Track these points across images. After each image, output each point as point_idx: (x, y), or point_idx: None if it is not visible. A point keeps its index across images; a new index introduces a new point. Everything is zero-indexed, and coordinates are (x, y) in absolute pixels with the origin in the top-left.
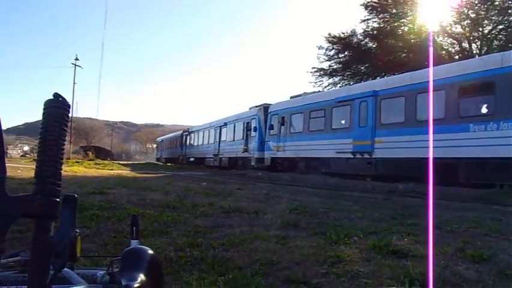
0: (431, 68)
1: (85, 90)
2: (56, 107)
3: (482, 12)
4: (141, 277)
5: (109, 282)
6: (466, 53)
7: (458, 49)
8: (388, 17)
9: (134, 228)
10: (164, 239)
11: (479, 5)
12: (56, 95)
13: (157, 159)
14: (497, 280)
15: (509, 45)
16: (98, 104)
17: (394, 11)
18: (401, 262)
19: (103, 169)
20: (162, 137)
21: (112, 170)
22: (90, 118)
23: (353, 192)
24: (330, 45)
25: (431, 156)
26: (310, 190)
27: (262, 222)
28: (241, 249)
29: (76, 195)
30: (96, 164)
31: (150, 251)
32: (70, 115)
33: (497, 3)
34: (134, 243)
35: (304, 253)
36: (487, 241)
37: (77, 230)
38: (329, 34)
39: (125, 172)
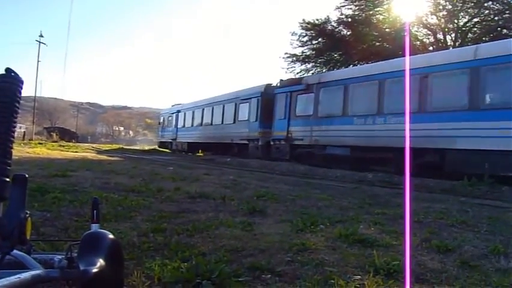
0: (407, 58)
1: (49, 69)
2: (8, 83)
3: (459, 5)
4: (100, 261)
5: (67, 267)
6: (440, 44)
7: (433, 40)
8: (363, 5)
9: (94, 211)
10: (128, 223)
11: None
12: (9, 70)
13: (162, 144)
14: (461, 271)
15: (483, 38)
16: (64, 83)
17: None
18: (367, 251)
19: (67, 151)
20: (181, 105)
21: (76, 152)
22: (55, 98)
23: (321, 180)
24: (303, 31)
25: (407, 146)
26: (279, 177)
27: (229, 209)
28: (206, 236)
29: (26, 175)
30: (60, 146)
31: (110, 235)
32: (22, 91)
33: None
34: (94, 227)
35: (269, 240)
36: (452, 232)
37: (28, 212)
38: (303, 20)
39: (91, 155)
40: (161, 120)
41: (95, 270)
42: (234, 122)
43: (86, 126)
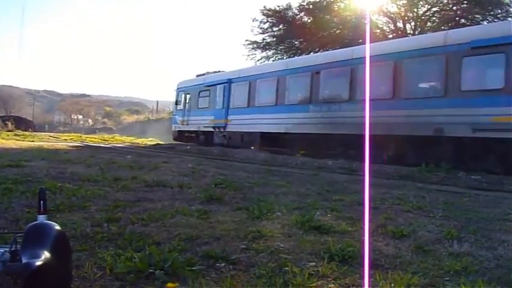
0: (367, 45)
1: (4, 55)
2: None
3: None
4: (45, 254)
5: (10, 261)
6: (400, 32)
7: (393, 28)
8: None
9: (41, 202)
10: (82, 214)
11: None
12: None
13: (182, 136)
14: (415, 255)
15: (442, 27)
16: (19, 70)
17: None
18: (323, 238)
19: (23, 141)
20: (230, 72)
21: (32, 141)
22: (10, 86)
23: (281, 167)
24: (264, 18)
25: (367, 133)
26: (239, 164)
27: (186, 197)
28: (161, 224)
29: None
30: (16, 135)
31: (57, 227)
32: None
33: None
34: (41, 219)
35: (225, 228)
36: (408, 218)
37: None
38: (264, 7)
39: (47, 144)
40: (182, 99)
41: (38, 263)
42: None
43: (43, 115)
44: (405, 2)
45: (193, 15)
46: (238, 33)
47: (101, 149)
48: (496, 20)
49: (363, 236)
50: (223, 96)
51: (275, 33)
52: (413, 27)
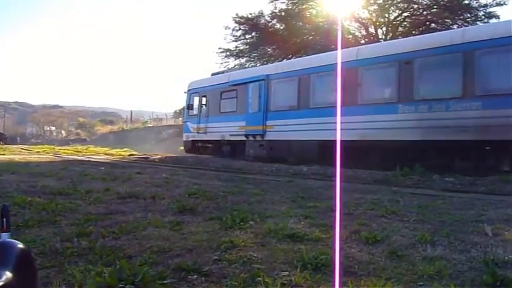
0: (339, 51)
1: None
2: None
3: None
4: (6, 275)
5: None
6: (372, 37)
7: (365, 33)
8: None
9: (4, 219)
10: (52, 228)
11: None
12: None
13: (193, 146)
14: (389, 261)
15: (413, 32)
16: None
17: None
18: (296, 246)
19: None
20: (271, 67)
21: (3, 154)
22: None
23: (256, 175)
24: (237, 25)
25: (338, 139)
26: (213, 173)
27: (158, 208)
28: (133, 237)
29: None
30: None
31: (20, 245)
32: None
33: None
34: (4, 237)
35: (198, 239)
36: (382, 223)
37: None
38: (236, 14)
39: (18, 157)
40: (196, 103)
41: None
42: None
43: (14, 127)
44: (377, 7)
45: (167, 25)
46: (214, 41)
47: (74, 160)
48: (465, 24)
49: (334, 243)
50: (259, 96)
51: (248, 40)
52: (384, 32)
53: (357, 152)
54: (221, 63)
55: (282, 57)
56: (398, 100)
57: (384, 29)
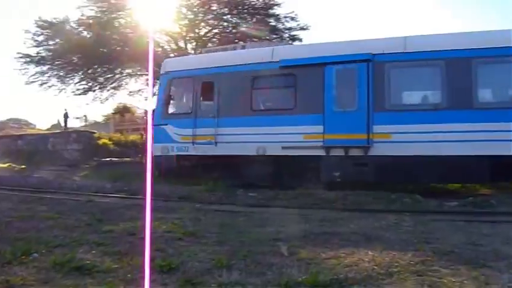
0: (151, 62)
1: None
2: None
3: (200, 15)
4: None
5: None
6: (182, 51)
7: (175, 47)
8: (106, 7)
9: None
10: None
11: (197, 7)
12: None
13: (180, 165)
14: None
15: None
16: None
17: (113, 1)
18: (83, 280)
19: None
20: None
21: None
22: None
23: (55, 194)
24: (39, 29)
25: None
26: (4, 193)
27: None
28: None
29: None
30: None
31: None
32: None
33: (214, 8)
34: None
35: None
36: (179, 247)
37: None
38: (39, 18)
39: None
40: (187, 95)
41: None
42: None
43: None
44: (187, 22)
45: None
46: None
47: None
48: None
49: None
50: (357, 87)
51: (51, 47)
52: (194, 46)
53: None
54: (19, 70)
55: (88, 68)
56: None
57: (194, 43)
